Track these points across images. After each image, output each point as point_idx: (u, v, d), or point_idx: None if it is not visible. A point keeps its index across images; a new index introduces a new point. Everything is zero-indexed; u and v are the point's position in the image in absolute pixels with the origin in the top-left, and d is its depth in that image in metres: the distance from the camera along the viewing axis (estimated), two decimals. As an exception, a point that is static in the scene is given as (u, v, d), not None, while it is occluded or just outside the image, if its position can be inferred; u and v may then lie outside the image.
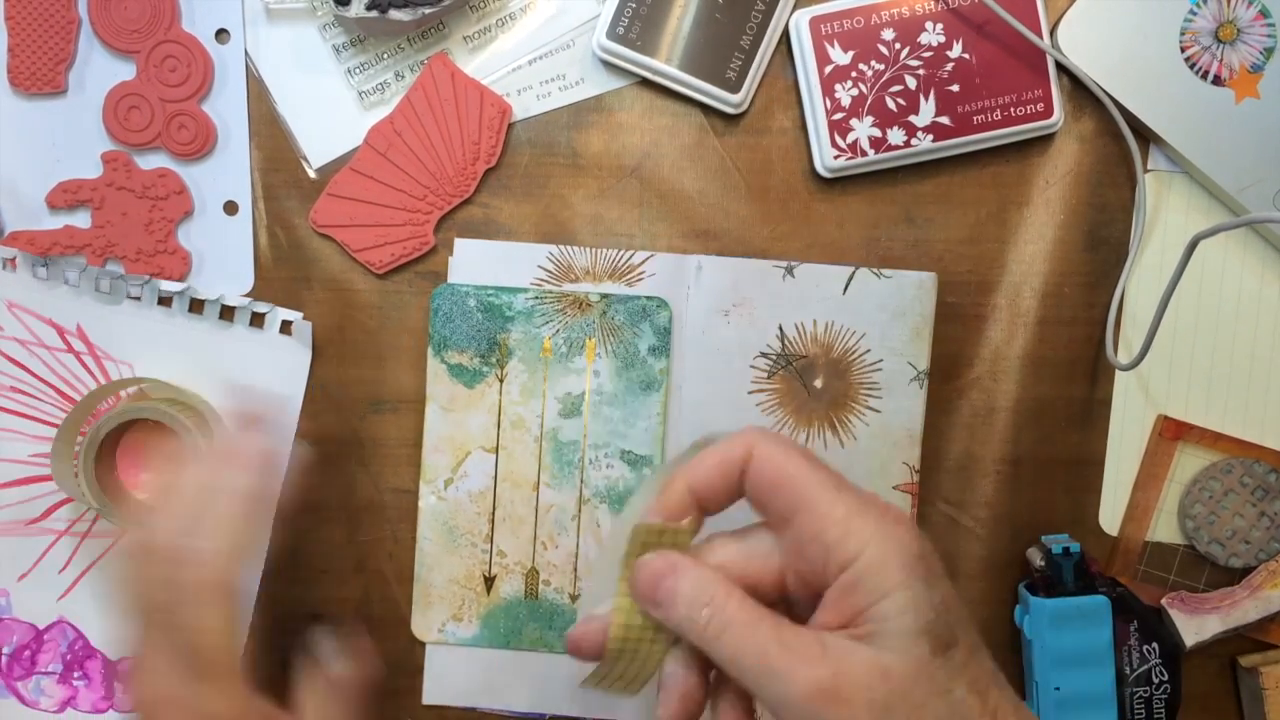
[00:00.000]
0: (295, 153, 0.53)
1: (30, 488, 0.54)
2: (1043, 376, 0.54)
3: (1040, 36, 0.51)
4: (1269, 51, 0.52)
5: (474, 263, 0.53)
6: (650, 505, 0.37)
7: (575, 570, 0.53)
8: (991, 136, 0.52)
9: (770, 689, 0.33)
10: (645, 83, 0.53)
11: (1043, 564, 0.52)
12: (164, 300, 0.53)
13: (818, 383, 0.53)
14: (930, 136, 0.52)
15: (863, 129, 0.52)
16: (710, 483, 0.36)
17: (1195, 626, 0.52)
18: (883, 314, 0.52)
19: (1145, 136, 0.53)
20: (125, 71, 0.53)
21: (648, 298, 0.53)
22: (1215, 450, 0.54)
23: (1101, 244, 0.54)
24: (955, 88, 0.52)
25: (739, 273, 0.52)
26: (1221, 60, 0.52)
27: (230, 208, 0.54)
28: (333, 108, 0.53)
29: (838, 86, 0.52)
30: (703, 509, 0.37)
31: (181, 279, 0.53)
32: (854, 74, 0.52)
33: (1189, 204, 0.54)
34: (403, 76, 0.53)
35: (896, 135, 0.52)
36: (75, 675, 0.54)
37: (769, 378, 0.53)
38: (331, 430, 0.54)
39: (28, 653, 0.54)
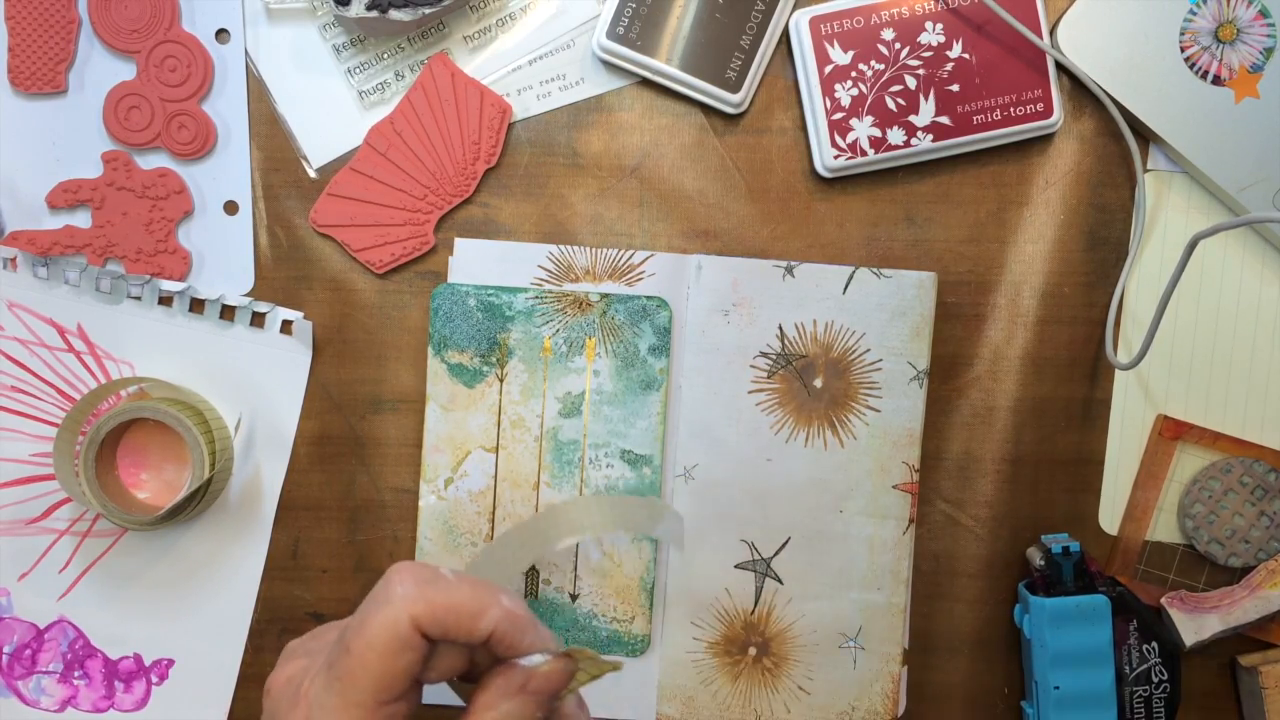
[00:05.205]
0: (295, 152, 0.53)
1: (30, 487, 0.54)
2: (1042, 376, 0.54)
3: (1040, 36, 0.51)
4: (1269, 51, 0.52)
5: (474, 262, 0.53)
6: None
7: (575, 569, 0.53)
8: (991, 136, 0.52)
9: None
10: (645, 83, 0.53)
11: (1042, 563, 0.52)
12: (164, 300, 0.53)
13: (817, 382, 0.53)
14: (930, 136, 0.52)
15: (863, 129, 0.52)
16: None
17: (1195, 626, 0.52)
18: (882, 314, 0.52)
19: (1145, 136, 0.53)
20: (125, 71, 0.53)
21: (648, 297, 0.53)
22: (1215, 450, 0.54)
23: (1101, 244, 0.54)
24: (955, 88, 0.52)
25: (739, 272, 0.53)
26: (1221, 60, 0.52)
27: (230, 207, 0.54)
28: (333, 108, 0.53)
29: (838, 86, 0.52)
30: None
31: (182, 279, 0.53)
32: (854, 74, 0.52)
33: (1189, 204, 0.54)
34: (403, 76, 0.53)
35: (896, 135, 0.52)
36: (75, 674, 0.54)
37: (769, 377, 0.53)
38: (331, 430, 0.54)
39: (28, 652, 0.54)
